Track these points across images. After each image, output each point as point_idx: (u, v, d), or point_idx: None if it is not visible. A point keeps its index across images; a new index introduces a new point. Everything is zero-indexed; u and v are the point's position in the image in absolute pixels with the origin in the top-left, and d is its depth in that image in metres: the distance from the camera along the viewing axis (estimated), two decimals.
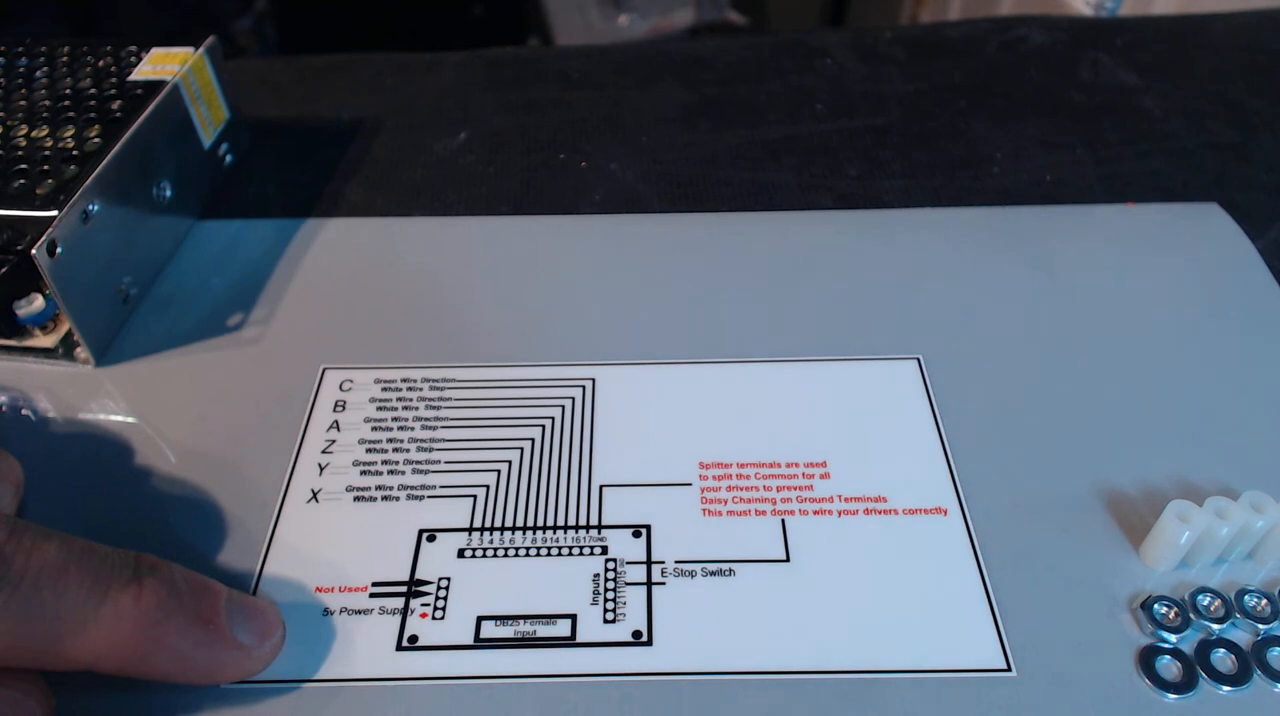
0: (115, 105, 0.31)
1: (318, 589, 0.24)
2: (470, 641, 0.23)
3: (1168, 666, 0.22)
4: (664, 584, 0.24)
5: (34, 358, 0.29)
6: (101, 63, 0.33)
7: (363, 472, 0.26)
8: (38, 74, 0.33)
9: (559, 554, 0.24)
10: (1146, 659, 0.22)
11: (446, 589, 0.24)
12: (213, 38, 0.35)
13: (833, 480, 0.26)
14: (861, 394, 0.28)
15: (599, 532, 0.25)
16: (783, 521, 0.25)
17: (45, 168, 0.29)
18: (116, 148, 0.30)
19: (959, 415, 0.28)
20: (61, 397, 0.28)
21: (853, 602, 0.23)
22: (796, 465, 0.27)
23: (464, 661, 0.22)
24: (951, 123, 0.40)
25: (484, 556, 0.24)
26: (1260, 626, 0.23)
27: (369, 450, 0.27)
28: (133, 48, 0.34)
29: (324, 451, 0.27)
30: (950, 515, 0.25)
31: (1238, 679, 0.22)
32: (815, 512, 0.25)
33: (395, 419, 0.28)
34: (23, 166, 0.29)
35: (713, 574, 0.24)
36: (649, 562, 0.24)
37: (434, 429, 0.28)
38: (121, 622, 0.19)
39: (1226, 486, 0.26)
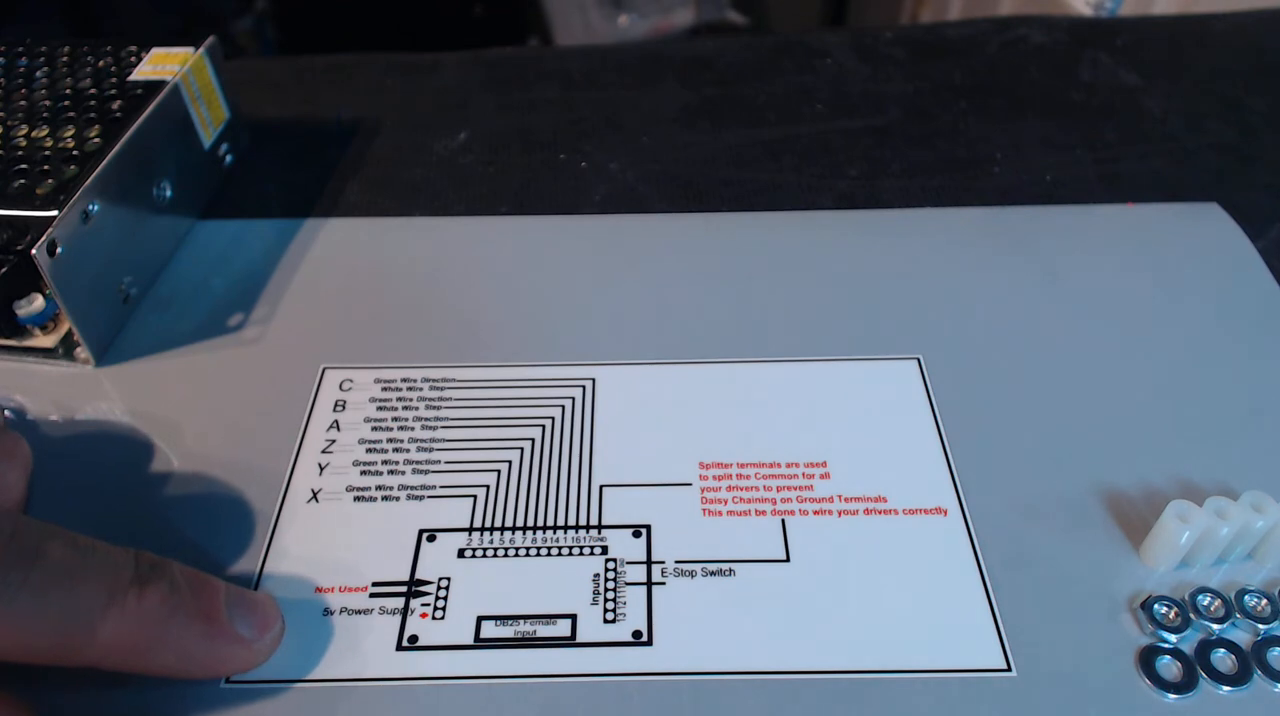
0: (115, 105, 0.31)
1: (318, 589, 0.24)
2: (470, 641, 0.23)
3: (1168, 666, 0.22)
4: (664, 584, 0.24)
5: (34, 358, 0.29)
6: (101, 63, 0.33)
7: (363, 472, 0.26)
8: (38, 74, 0.33)
9: (559, 554, 0.24)
10: (1146, 659, 0.22)
11: (446, 589, 0.24)
12: (213, 38, 0.35)
13: (833, 480, 0.26)
14: (861, 394, 0.28)
15: (599, 532, 0.25)
16: (783, 521, 0.25)
17: (45, 168, 0.29)
18: (116, 148, 0.30)
19: (959, 415, 0.28)
20: (61, 398, 0.28)
21: (853, 602, 0.23)
22: (796, 465, 0.27)
23: (464, 661, 0.22)
24: (951, 123, 0.40)
25: (484, 556, 0.24)
26: (1260, 626, 0.23)
27: (369, 450, 0.27)
28: (133, 48, 0.34)
29: (324, 451, 0.27)
30: (950, 515, 0.25)
31: (1238, 679, 0.22)
32: (815, 512, 0.25)
33: (395, 419, 0.28)
34: (23, 166, 0.29)
35: (713, 574, 0.24)
36: (649, 562, 0.24)
37: (434, 429, 0.28)
38: (127, 622, 0.20)
39: (1226, 486, 0.26)
